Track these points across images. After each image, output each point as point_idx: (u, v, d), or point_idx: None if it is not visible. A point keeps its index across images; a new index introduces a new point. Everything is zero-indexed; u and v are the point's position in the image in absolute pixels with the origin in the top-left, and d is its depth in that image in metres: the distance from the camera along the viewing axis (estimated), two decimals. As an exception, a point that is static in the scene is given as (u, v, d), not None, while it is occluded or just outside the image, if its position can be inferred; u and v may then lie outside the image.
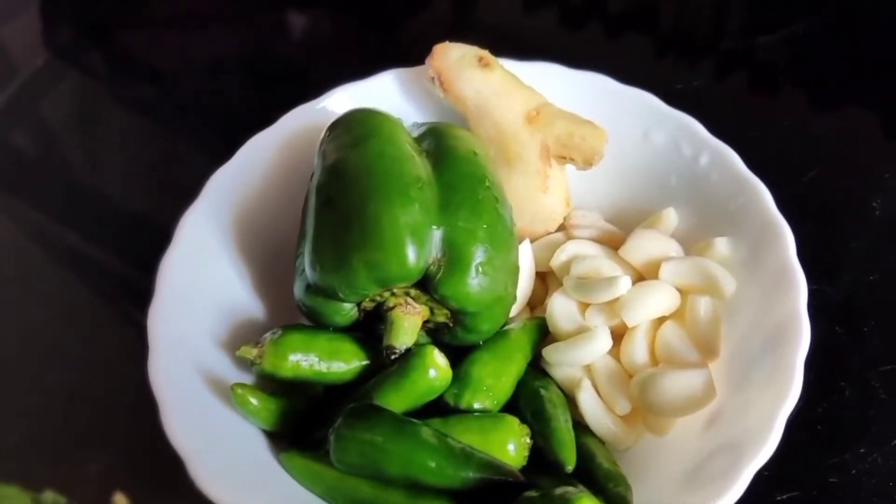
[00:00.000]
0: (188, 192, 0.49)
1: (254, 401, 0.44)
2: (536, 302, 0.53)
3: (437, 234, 0.44)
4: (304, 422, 0.46)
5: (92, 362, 0.54)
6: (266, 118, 0.53)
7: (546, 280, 0.54)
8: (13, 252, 0.64)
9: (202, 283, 0.48)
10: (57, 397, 0.53)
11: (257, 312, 0.50)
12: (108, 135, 0.72)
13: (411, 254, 0.43)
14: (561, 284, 0.51)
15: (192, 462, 0.40)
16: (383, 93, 0.54)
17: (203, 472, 0.39)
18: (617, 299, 0.49)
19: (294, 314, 0.48)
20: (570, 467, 0.43)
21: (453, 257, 0.44)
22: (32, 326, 0.58)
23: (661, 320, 0.49)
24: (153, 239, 0.48)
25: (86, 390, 0.53)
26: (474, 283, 0.44)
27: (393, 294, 0.45)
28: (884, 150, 0.65)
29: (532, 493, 0.41)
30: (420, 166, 0.46)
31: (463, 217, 0.45)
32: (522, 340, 0.49)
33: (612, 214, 0.55)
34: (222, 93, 0.74)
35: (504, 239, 0.46)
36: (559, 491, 0.40)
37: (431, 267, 0.44)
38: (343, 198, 0.44)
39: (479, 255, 0.44)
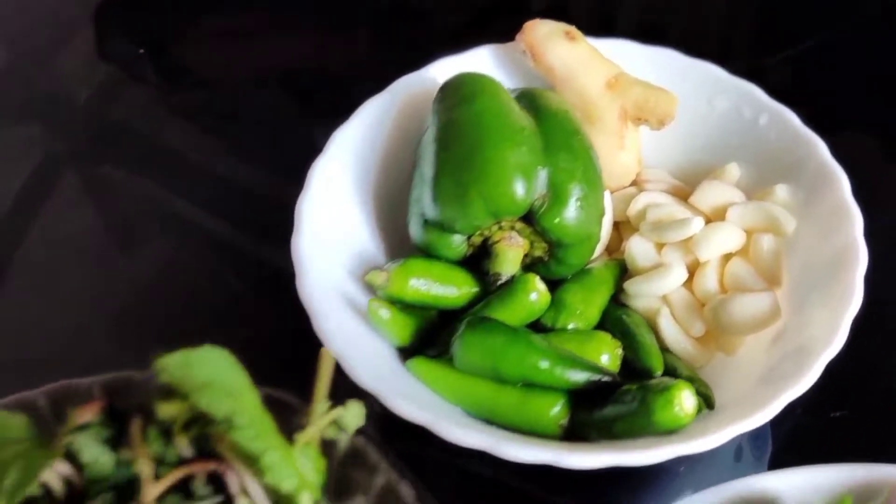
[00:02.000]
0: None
1: (385, 313, 0.51)
2: (612, 248, 0.60)
3: (542, 174, 0.51)
4: (422, 340, 0.53)
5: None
6: (306, 124, 0.62)
7: (620, 229, 0.61)
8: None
9: (332, 222, 0.55)
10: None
11: (376, 249, 0.57)
12: (166, 140, 0.79)
13: (521, 188, 0.50)
14: (635, 231, 0.59)
15: (345, 360, 0.47)
16: (478, 65, 0.61)
17: (355, 367, 0.46)
18: (690, 238, 0.56)
19: (407, 253, 0.55)
20: (658, 372, 0.50)
21: (555, 193, 0.51)
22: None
23: (728, 258, 0.57)
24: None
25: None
26: (572, 216, 0.52)
27: (500, 228, 0.53)
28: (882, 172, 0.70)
29: (631, 386, 0.48)
30: (523, 118, 0.53)
31: (563, 159, 0.52)
32: (605, 276, 0.57)
33: (678, 172, 0.63)
34: (265, 102, 0.80)
35: (596, 181, 0.54)
36: (655, 381, 0.47)
37: (536, 202, 0.51)
38: (459, 144, 0.52)
39: (576, 193, 0.52)
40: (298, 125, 0.75)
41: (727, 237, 0.56)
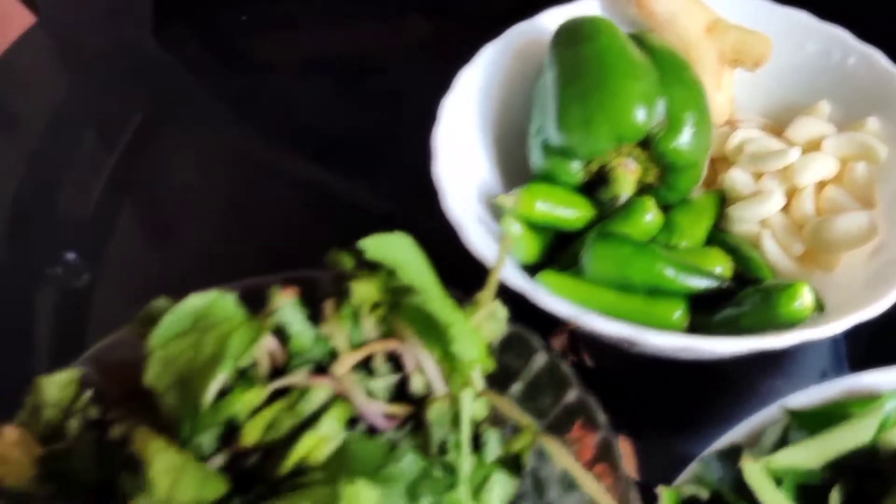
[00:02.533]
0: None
1: (517, 228, 0.56)
2: (709, 182, 0.65)
3: (660, 103, 0.56)
4: (544, 259, 0.59)
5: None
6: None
7: (715, 165, 0.66)
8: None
9: (460, 153, 0.60)
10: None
11: (496, 180, 0.63)
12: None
13: (643, 115, 0.56)
14: (730, 166, 0.63)
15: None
16: (585, 12, 0.66)
17: (504, 270, 0.51)
18: (788, 167, 0.61)
19: (523, 183, 0.60)
20: (769, 280, 0.55)
21: (672, 121, 0.56)
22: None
23: (822, 186, 0.61)
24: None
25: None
26: (686, 142, 0.57)
27: (618, 154, 0.58)
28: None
29: (749, 290, 0.53)
30: (640, 54, 0.58)
31: (677, 91, 0.57)
32: (708, 203, 0.62)
33: (768, 112, 0.67)
34: (314, 88, 0.84)
35: (706, 113, 0.59)
36: (771, 283, 0.52)
37: (654, 128, 0.56)
38: (584, 77, 0.57)
39: (690, 121, 0.57)
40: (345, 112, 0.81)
41: (823, 165, 0.60)
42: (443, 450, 0.46)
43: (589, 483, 0.42)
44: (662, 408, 0.58)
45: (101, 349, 0.48)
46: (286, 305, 0.44)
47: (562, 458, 0.43)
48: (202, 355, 0.42)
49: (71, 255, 0.75)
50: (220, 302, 0.43)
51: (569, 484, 0.47)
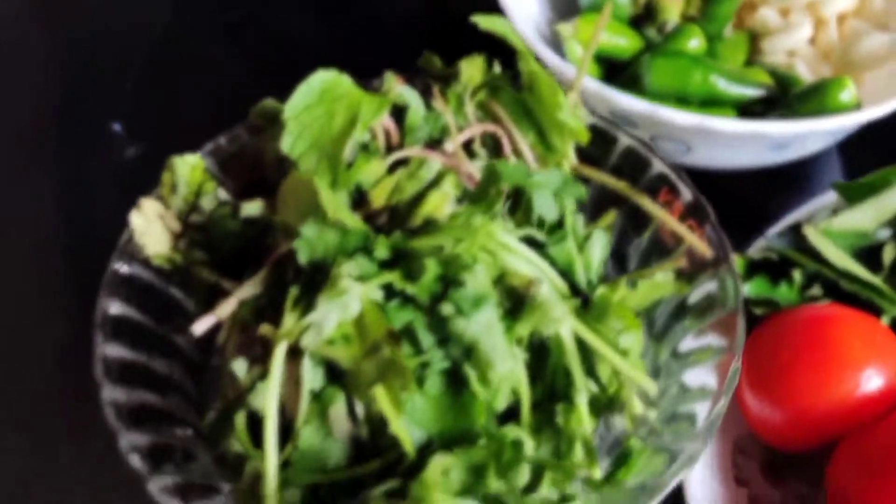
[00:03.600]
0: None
1: (580, 51, 0.61)
2: (736, 26, 0.71)
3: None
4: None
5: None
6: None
7: (741, 13, 0.71)
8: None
9: None
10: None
11: (543, 16, 0.67)
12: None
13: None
14: (755, 10, 0.69)
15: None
16: None
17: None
18: (812, 1, 0.66)
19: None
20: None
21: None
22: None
23: (843, 19, 0.67)
24: None
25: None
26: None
27: (665, -14, 0.63)
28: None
29: (796, 90, 0.58)
30: None
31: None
32: (741, 38, 0.67)
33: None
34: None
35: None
36: (818, 80, 0.58)
37: (697, -44, 0.62)
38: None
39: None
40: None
41: (844, -2, 0.66)
42: (540, 224, 0.51)
43: (681, 229, 0.47)
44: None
45: (216, 146, 0.52)
46: (402, 85, 0.48)
47: (654, 209, 0.48)
48: (336, 122, 0.45)
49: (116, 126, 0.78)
50: (340, 80, 0.47)
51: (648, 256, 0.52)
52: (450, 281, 0.41)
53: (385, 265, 0.42)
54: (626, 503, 0.41)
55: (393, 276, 0.41)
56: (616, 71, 0.64)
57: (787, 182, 0.65)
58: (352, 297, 0.40)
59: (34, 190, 0.72)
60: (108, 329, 0.44)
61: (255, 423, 0.44)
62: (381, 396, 0.39)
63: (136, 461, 0.39)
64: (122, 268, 0.47)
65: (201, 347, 0.51)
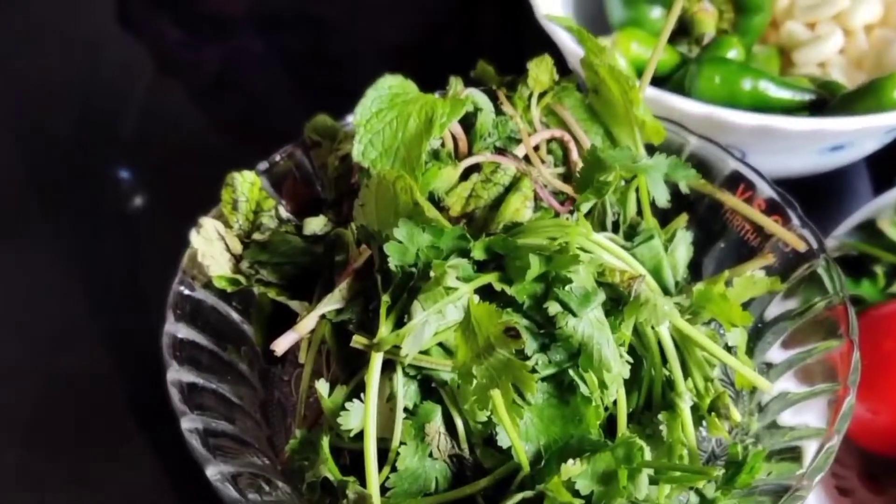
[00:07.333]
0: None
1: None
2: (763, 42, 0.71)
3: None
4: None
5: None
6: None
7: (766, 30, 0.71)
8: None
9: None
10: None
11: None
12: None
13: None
14: (780, 26, 0.69)
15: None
16: None
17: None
18: (840, 13, 0.67)
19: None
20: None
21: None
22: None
23: (869, 29, 0.67)
24: None
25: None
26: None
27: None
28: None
29: (847, 91, 0.58)
30: None
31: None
32: (772, 51, 0.67)
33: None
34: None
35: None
36: (871, 79, 0.57)
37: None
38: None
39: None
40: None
41: (870, 7, 0.66)
42: (615, 227, 0.49)
43: (770, 223, 0.45)
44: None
45: (271, 164, 0.49)
46: (471, 89, 0.46)
47: (739, 205, 0.46)
48: (410, 126, 0.43)
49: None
50: (407, 84, 0.45)
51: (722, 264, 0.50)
52: (551, 281, 0.39)
53: (481, 267, 0.39)
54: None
55: (492, 278, 0.39)
56: (654, 85, 0.63)
57: (825, 191, 0.64)
58: (456, 299, 0.37)
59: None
60: (180, 354, 0.40)
61: (338, 451, 0.41)
62: (497, 402, 0.36)
63: (230, 491, 0.35)
64: (185, 290, 0.43)
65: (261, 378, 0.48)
